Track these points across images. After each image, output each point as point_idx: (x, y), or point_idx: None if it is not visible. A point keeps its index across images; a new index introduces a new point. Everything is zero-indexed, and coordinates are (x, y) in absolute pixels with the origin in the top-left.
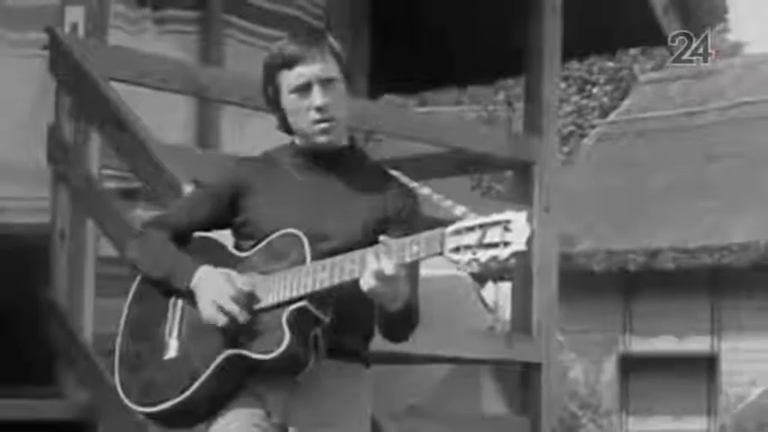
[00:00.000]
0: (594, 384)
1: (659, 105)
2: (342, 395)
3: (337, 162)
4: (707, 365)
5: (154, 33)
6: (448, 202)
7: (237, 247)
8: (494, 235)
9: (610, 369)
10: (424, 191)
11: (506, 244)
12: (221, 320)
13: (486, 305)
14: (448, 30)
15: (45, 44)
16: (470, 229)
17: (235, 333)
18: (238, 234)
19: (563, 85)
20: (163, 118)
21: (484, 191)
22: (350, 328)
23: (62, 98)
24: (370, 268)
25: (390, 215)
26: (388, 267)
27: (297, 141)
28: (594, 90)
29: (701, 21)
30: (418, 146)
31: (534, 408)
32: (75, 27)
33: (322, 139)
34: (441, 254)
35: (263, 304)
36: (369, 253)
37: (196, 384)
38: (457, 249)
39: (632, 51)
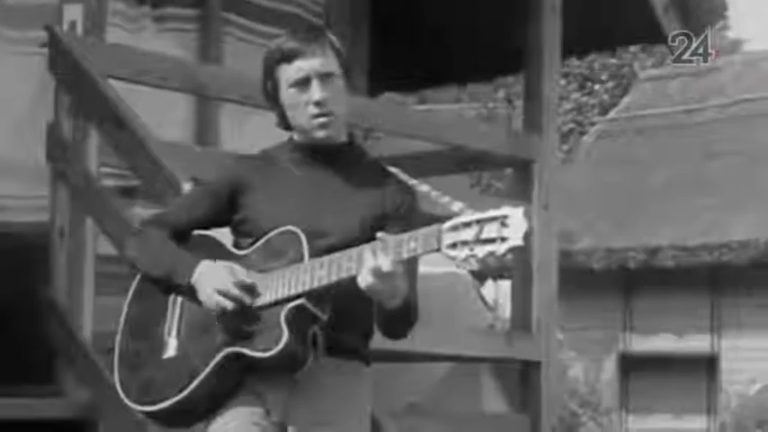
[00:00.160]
0: (594, 382)
1: (659, 102)
2: (341, 393)
3: (336, 158)
4: (707, 363)
5: (153, 31)
6: (446, 199)
7: (236, 245)
8: (491, 230)
9: (610, 367)
10: (423, 187)
11: (503, 239)
12: (228, 305)
13: (485, 303)
14: (448, 27)
15: (44, 42)
16: (467, 224)
17: (234, 331)
18: (237, 232)
19: (563, 82)
20: (162, 116)
21: (483, 188)
22: (348, 325)
23: (61, 96)
24: (368, 265)
25: (388, 212)
26: (386, 264)
27: (295, 137)
28: (596, 87)
29: (701, 19)
30: (418, 143)
31: (534, 406)
32: (73, 25)
33: (320, 133)
34: (438, 250)
35: (261, 302)
36: (366, 250)
37: (195, 383)
38: (454, 245)
39: (632, 48)
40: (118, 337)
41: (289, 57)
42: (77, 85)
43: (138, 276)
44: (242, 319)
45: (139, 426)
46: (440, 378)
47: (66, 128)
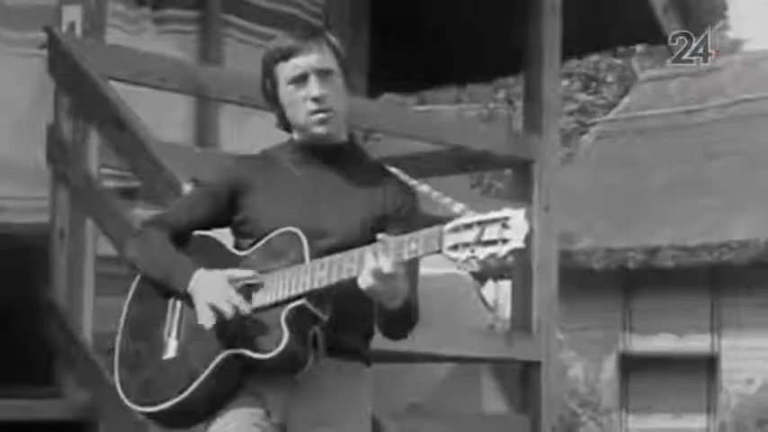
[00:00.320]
0: (594, 382)
1: (658, 103)
2: (341, 394)
3: (336, 158)
4: (707, 363)
5: (153, 33)
6: (447, 200)
7: (237, 245)
8: (492, 232)
9: (610, 367)
10: (423, 188)
11: (505, 241)
12: (213, 322)
13: (485, 303)
14: (448, 27)
15: (43, 43)
16: (468, 226)
17: (233, 333)
18: (238, 232)
19: (566, 82)
20: (162, 117)
21: (484, 189)
22: (349, 326)
23: (61, 97)
24: (368, 266)
25: (389, 212)
26: (386, 265)
27: (296, 137)
28: (602, 88)
29: (700, 20)
30: (418, 144)
31: (534, 406)
32: (72, 26)
33: (319, 129)
34: (439, 251)
35: (261, 303)
36: (367, 251)
37: (195, 384)
38: (455, 247)
39: (639, 48)
40: (118, 338)
41: (286, 54)
42: (77, 87)
43: (138, 277)
44: (240, 324)
45: (140, 427)
46: (440, 379)
47: (66, 129)
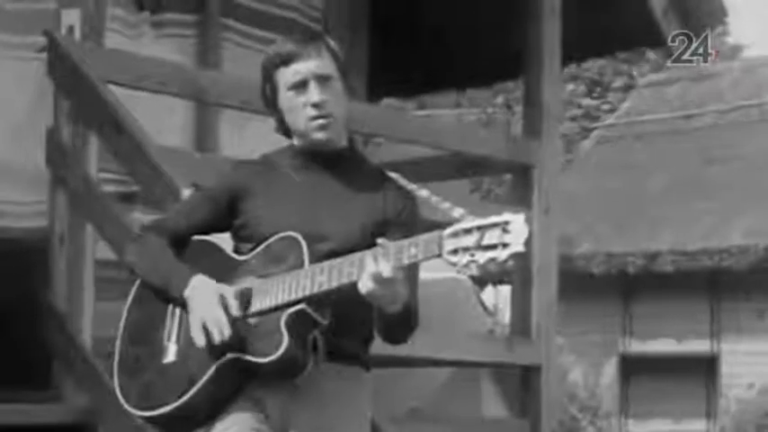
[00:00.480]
0: (594, 387)
1: (657, 108)
2: (341, 398)
3: (336, 163)
4: (707, 368)
5: (152, 37)
6: (446, 204)
7: (236, 250)
8: (492, 237)
9: (609, 371)
10: (423, 193)
11: (505, 245)
12: (203, 341)
13: (485, 308)
14: (448, 30)
15: (42, 47)
16: (468, 231)
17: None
18: (237, 237)
19: (571, 86)
20: (161, 121)
21: (483, 194)
22: (349, 330)
23: (60, 101)
24: (368, 271)
25: (389, 217)
26: (386, 270)
27: (295, 142)
28: (607, 93)
29: (700, 23)
30: (417, 149)
31: (534, 410)
32: (71, 30)
33: (319, 135)
34: (439, 256)
35: (261, 307)
36: (367, 256)
37: (194, 389)
38: (455, 251)
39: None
40: (117, 342)
41: (286, 60)
42: (76, 90)
43: (138, 281)
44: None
45: (139, 431)
46: (440, 383)
47: (65, 133)
